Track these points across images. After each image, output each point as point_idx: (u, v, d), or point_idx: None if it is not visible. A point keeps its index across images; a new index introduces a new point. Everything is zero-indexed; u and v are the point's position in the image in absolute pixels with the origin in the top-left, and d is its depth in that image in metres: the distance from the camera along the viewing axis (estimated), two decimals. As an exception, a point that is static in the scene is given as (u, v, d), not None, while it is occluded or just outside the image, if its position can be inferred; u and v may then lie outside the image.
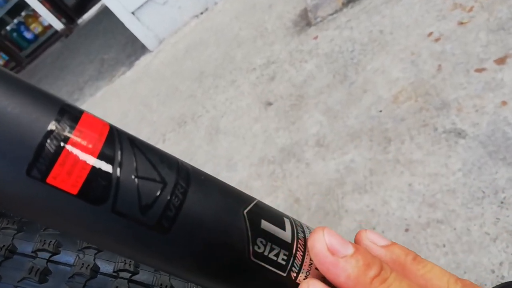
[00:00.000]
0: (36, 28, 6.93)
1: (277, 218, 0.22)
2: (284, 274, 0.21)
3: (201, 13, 3.71)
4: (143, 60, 3.76)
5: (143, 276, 0.30)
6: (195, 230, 0.19)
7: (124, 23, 3.77)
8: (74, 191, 0.16)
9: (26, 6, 6.52)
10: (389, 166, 1.31)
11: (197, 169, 0.21)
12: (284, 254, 0.21)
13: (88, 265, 0.29)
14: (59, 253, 0.29)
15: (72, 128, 0.17)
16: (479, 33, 1.47)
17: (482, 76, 1.33)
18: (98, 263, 0.30)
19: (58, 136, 0.16)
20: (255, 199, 0.23)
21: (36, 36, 6.97)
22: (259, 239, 0.20)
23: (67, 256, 0.29)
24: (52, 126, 0.16)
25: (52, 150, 0.16)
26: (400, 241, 1.09)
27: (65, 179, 0.16)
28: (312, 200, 1.40)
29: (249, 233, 0.20)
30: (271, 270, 0.21)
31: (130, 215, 0.17)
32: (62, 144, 0.16)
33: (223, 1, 3.59)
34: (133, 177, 0.17)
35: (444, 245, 1.05)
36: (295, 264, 0.21)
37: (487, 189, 1.08)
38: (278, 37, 2.44)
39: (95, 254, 0.30)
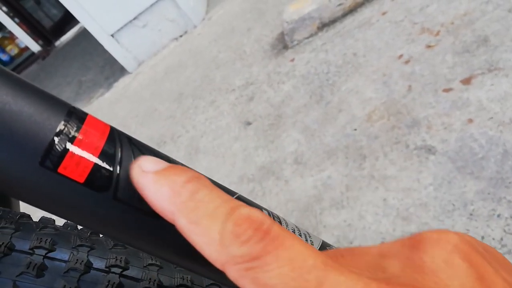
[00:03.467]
0: (12, 50, 6.86)
1: (257, 208, 0.25)
2: None
3: (181, 36, 3.77)
4: (122, 82, 3.78)
5: (133, 271, 0.32)
6: None
7: (103, 45, 3.79)
8: (81, 180, 0.19)
9: (2, 27, 6.47)
10: (364, 182, 1.36)
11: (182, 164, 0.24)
12: None
13: (82, 261, 0.31)
14: (54, 250, 0.31)
15: (79, 127, 0.20)
16: (446, 56, 1.55)
17: (449, 95, 1.41)
18: (91, 259, 0.32)
19: (68, 134, 0.19)
20: (237, 193, 0.25)
21: (12, 58, 6.90)
22: None
23: (62, 253, 0.32)
24: (61, 125, 0.19)
25: (62, 145, 0.19)
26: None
27: (73, 169, 0.19)
28: (291, 217, 1.43)
29: None
30: None
31: (130, 202, 0.20)
32: (71, 140, 0.19)
33: (202, 25, 3.67)
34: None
35: (418, 257, 1.09)
36: None
37: (457, 202, 1.13)
38: (257, 60, 2.51)
39: (88, 251, 0.33)
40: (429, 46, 1.65)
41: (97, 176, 0.20)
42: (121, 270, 0.32)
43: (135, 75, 3.73)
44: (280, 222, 0.26)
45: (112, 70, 4.16)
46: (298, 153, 1.67)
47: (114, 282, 0.31)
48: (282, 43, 2.44)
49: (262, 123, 1.98)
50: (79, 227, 0.38)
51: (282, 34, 2.47)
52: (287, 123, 1.86)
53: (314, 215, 1.38)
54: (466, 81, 1.41)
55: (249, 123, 2.05)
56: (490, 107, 1.28)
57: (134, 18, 3.65)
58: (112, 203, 0.20)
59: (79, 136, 0.20)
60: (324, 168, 1.52)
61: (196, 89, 2.70)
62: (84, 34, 5.31)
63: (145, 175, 0.18)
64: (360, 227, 1.24)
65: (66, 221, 0.38)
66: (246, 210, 0.15)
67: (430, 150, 1.30)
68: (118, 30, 3.71)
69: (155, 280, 0.32)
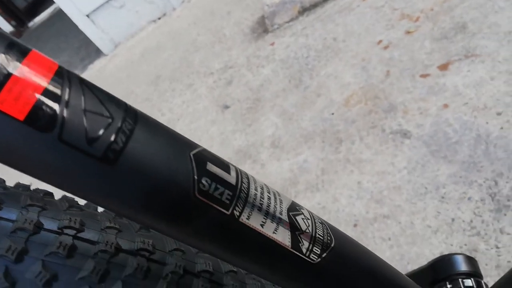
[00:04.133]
0: (-17, 28, 6.60)
1: (223, 163, 0.23)
2: (228, 212, 0.22)
3: (159, 18, 3.69)
4: (97, 64, 3.68)
5: (88, 233, 0.30)
6: (141, 166, 0.19)
7: (79, 26, 3.68)
8: (21, 117, 0.17)
9: (-28, 5, 6.21)
10: (340, 165, 1.36)
11: (146, 114, 0.22)
12: (228, 194, 0.22)
13: (32, 221, 0.29)
14: (1, 209, 0.29)
15: (20, 60, 0.17)
16: (424, 42, 1.56)
17: (426, 81, 1.41)
18: (42, 220, 0.29)
19: (6, 65, 0.17)
20: (203, 147, 0.24)
21: (-17, 37, 6.63)
22: (204, 179, 0.21)
23: (10, 213, 0.29)
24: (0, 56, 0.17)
25: None
26: (349, 235, 1.13)
27: (12, 104, 0.17)
28: (266, 200, 1.42)
29: (195, 173, 0.21)
30: (215, 207, 0.22)
31: (77, 145, 0.18)
32: (9, 72, 0.17)
33: (181, 7, 3.59)
34: (80, 109, 0.18)
35: (389, 239, 1.09)
36: (238, 204, 0.22)
37: (429, 185, 1.14)
38: (236, 43, 2.47)
39: (39, 211, 0.30)
40: (408, 32, 1.65)
41: (39, 114, 0.17)
42: (75, 232, 0.30)
43: (111, 57, 3.63)
44: (248, 180, 0.24)
45: (88, 51, 4.05)
46: (275, 136, 1.66)
47: (66, 244, 0.29)
48: (263, 27, 2.41)
49: (240, 106, 1.95)
50: (32, 188, 0.35)
51: (262, 18, 2.44)
52: (265, 107, 1.84)
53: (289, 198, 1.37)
54: (443, 67, 1.41)
55: (227, 107, 2.02)
56: (466, 93, 1.29)
57: (111, -2, 3.55)
58: (56, 145, 0.18)
59: (20, 68, 0.17)
60: (300, 152, 1.51)
61: (174, 72, 2.65)
62: (59, 14, 5.15)
63: None
64: (334, 209, 1.24)
65: (18, 181, 0.36)
66: None
67: (406, 134, 1.30)
68: (94, 10, 3.60)
69: (112, 243, 0.30)
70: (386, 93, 1.48)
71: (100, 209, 0.35)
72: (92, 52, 3.94)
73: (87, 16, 3.61)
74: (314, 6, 2.21)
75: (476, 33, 1.44)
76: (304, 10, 2.24)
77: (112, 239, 0.31)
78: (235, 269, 0.36)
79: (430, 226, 1.06)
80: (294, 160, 1.49)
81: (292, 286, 0.27)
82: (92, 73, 3.55)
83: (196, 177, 0.21)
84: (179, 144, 0.22)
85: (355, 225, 1.17)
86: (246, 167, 1.61)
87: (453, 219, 1.04)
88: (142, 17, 3.71)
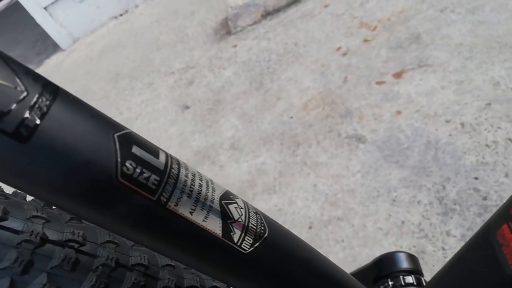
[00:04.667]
0: None
1: (151, 147, 0.22)
2: (154, 198, 0.21)
3: (121, 15, 3.60)
4: (54, 59, 3.54)
5: (12, 222, 0.28)
6: (57, 144, 0.18)
7: (36, 19, 3.53)
8: None
9: None
10: (297, 168, 1.37)
11: (69, 92, 0.21)
12: (155, 179, 0.21)
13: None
14: None
15: None
16: (381, 50, 1.61)
17: (381, 88, 1.46)
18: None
19: None
20: (131, 130, 0.23)
21: None
22: (128, 162, 0.20)
23: None
24: None
25: None
26: (304, 237, 1.14)
27: None
28: (223, 201, 1.41)
29: (118, 155, 0.20)
30: (140, 192, 0.21)
31: None
32: None
33: (144, 5, 3.53)
34: None
35: (343, 241, 1.12)
36: (165, 190, 0.22)
37: (382, 188, 1.17)
38: (199, 43, 2.45)
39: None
40: (366, 40, 1.70)
41: None
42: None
43: (69, 53, 3.51)
44: (178, 167, 0.23)
45: (45, 46, 3.89)
46: (235, 138, 1.65)
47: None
48: (226, 29, 2.40)
49: (201, 107, 1.94)
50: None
51: (226, 20, 2.43)
52: (226, 109, 1.84)
53: (246, 200, 1.37)
54: (398, 75, 1.46)
55: (187, 107, 2.00)
56: (418, 101, 1.34)
57: (71, -8, 3.44)
58: None
59: None
60: (259, 154, 1.52)
61: (134, 70, 2.59)
62: (16, 6, 4.93)
63: None
64: (290, 211, 1.25)
65: None
66: None
67: (360, 139, 1.33)
68: (53, 3, 3.47)
69: (38, 233, 0.29)
70: (343, 98, 1.51)
71: (28, 198, 0.33)
72: (49, 46, 3.79)
73: (45, 9, 3.48)
74: (277, 10, 2.24)
75: (429, 44, 1.50)
76: (267, 14, 2.26)
77: (39, 229, 0.29)
78: (172, 263, 0.35)
79: (381, 228, 1.09)
80: (252, 162, 1.50)
81: (223, 276, 0.27)
82: (48, 69, 3.42)
83: (119, 159, 0.20)
84: (103, 124, 0.20)
85: (310, 227, 1.19)
86: (204, 169, 1.60)
87: (403, 222, 1.08)
88: (103, 13, 3.61)
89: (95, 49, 3.26)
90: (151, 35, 2.92)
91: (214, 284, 0.39)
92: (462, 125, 1.20)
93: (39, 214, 0.29)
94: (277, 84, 1.79)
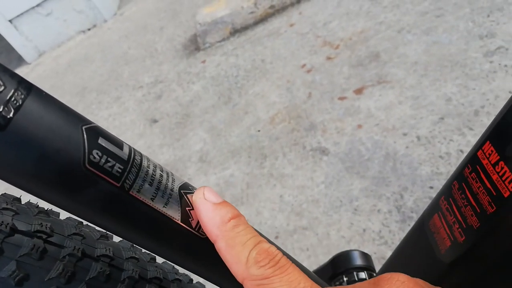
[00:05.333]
0: None
1: (116, 140, 0.25)
2: (118, 185, 0.24)
3: (89, 29, 3.58)
4: (19, 72, 3.46)
5: None
6: (30, 133, 0.21)
7: (0, 32, 3.45)
8: None
9: None
10: (264, 179, 1.41)
11: (42, 89, 0.24)
12: (119, 168, 0.24)
13: None
14: None
15: None
16: (343, 67, 1.69)
17: (343, 103, 1.53)
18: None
19: None
20: (97, 124, 0.26)
21: None
22: (95, 151, 0.23)
23: None
24: None
25: None
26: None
27: None
28: (191, 213, 1.42)
29: (86, 145, 0.22)
30: (105, 179, 0.23)
31: None
32: None
33: (113, 20, 3.52)
34: None
35: (307, 249, 1.15)
36: (129, 177, 0.24)
37: (344, 198, 1.23)
38: (168, 58, 2.47)
39: None
40: (329, 58, 1.78)
41: None
42: None
43: (34, 66, 3.45)
44: (141, 158, 0.26)
45: (9, 58, 3.81)
46: (203, 151, 1.68)
47: None
48: (195, 45, 2.44)
49: (169, 121, 1.96)
50: None
51: (195, 36, 2.47)
52: (194, 122, 1.86)
53: (214, 211, 1.39)
54: (359, 91, 1.54)
55: (155, 121, 2.01)
56: (377, 115, 1.41)
57: (37, 5, 3.39)
58: None
59: None
60: (227, 167, 1.55)
61: (101, 84, 2.58)
62: (-23, 17, 4.78)
63: (206, 203, 0.26)
64: (257, 222, 1.28)
65: None
66: (266, 245, 0.24)
67: (324, 151, 1.39)
68: (18, 16, 3.41)
69: (8, 224, 0.31)
70: (307, 113, 1.57)
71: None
72: (13, 59, 3.71)
73: (10, 21, 3.41)
74: (244, 28, 2.30)
75: (387, 62, 1.59)
76: (235, 32, 2.31)
77: (8, 220, 0.31)
78: (136, 256, 0.38)
79: (344, 236, 1.14)
80: (220, 175, 1.52)
81: (182, 260, 0.30)
82: (11, 82, 3.33)
83: (86, 149, 0.22)
84: (72, 117, 0.23)
85: (276, 237, 1.22)
86: (172, 182, 1.61)
87: (364, 230, 1.13)
88: (70, 27, 3.58)
89: (62, 63, 3.22)
90: (120, 49, 2.92)
91: (177, 277, 0.42)
92: (418, 138, 1.28)
93: (8, 206, 0.31)
94: (245, 99, 1.83)
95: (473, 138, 1.20)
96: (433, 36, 1.59)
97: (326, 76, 1.69)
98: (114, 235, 0.40)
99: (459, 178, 0.31)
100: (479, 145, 0.29)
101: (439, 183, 1.15)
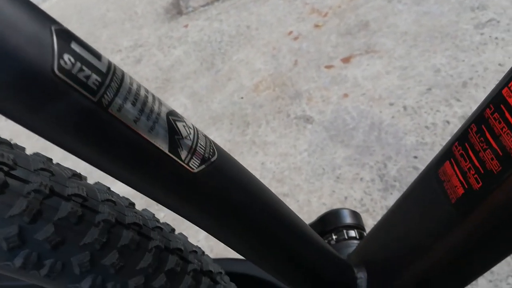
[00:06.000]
0: None
1: (92, 50, 0.21)
2: (95, 100, 0.20)
3: (65, -11, 3.41)
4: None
5: (21, 172, 0.26)
6: None
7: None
8: None
9: None
10: (245, 147, 1.37)
11: None
12: (96, 80, 0.20)
13: None
14: None
15: None
16: (331, 36, 1.64)
17: (330, 72, 1.49)
18: None
19: None
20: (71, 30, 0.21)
21: None
22: (67, 56, 0.19)
23: None
24: None
25: None
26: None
27: None
28: (170, 179, 1.38)
29: (55, 47, 0.19)
30: (79, 90, 0.19)
31: None
32: None
33: (91, -20, 3.36)
34: None
35: (288, 216, 1.13)
36: (107, 93, 0.20)
37: (327, 166, 1.20)
38: (148, 22, 2.37)
39: None
40: (317, 26, 1.73)
41: None
42: (7, 168, 0.25)
43: (6, 26, 3.28)
44: (123, 74, 0.22)
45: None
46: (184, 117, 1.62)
47: None
48: (177, 9, 2.34)
49: (149, 86, 1.88)
50: None
51: (177, 0, 2.37)
52: (175, 88, 1.80)
53: (193, 177, 1.35)
54: (346, 60, 1.50)
55: (134, 85, 1.93)
56: (364, 84, 1.38)
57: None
58: None
59: None
60: (209, 133, 1.50)
61: (78, 46, 2.46)
62: None
63: None
64: (237, 188, 1.25)
65: None
66: None
67: (308, 119, 1.35)
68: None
69: (46, 185, 0.27)
70: (293, 81, 1.53)
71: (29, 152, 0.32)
72: (-18, 18, 3.51)
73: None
74: (230, -7, 2.21)
75: (376, 31, 1.55)
76: (220, -4, 2.23)
77: (46, 181, 0.27)
78: (113, 199, 0.34)
79: (325, 203, 1.12)
80: (200, 141, 1.47)
81: (165, 196, 0.26)
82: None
83: (56, 51, 0.19)
84: (41, 16, 0.19)
85: (256, 204, 1.19)
86: (150, 147, 1.56)
87: (346, 197, 1.11)
88: (46, -14, 3.40)
89: (36, 23, 3.07)
90: (98, 11, 2.79)
91: (158, 225, 0.38)
92: (405, 108, 1.25)
93: (45, 167, 0.28)
94: (228, 65, 1.77)
95: (460, 109, 1.18)
96: (424, 6, 1.55)
97: (313, 44, 1.64)
98: (88, 178, 0.35)
99: (478, 120, 0.28)
100: (505, 83, 0.26)
101: (424, 153, 1.13)
